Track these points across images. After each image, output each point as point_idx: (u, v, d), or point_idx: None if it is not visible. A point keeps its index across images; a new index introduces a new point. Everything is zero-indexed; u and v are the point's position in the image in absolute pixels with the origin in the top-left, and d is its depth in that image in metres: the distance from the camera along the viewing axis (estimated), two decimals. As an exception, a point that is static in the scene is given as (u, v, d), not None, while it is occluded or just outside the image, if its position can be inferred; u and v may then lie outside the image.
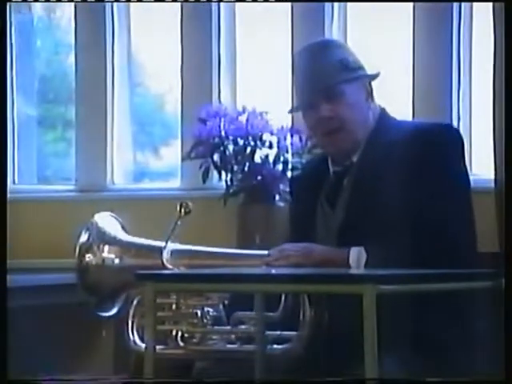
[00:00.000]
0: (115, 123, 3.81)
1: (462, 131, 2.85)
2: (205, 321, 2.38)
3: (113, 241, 2.50)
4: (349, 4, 3.50)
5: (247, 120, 3.35)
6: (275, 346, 2.32)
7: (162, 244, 2.41)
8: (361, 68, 2.51)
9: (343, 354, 2.26)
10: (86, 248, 2.48)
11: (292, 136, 3.35)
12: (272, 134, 3.35)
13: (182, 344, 2.37)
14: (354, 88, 2.48)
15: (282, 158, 3.34)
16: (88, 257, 2.48)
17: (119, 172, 3.82)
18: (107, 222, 2.54)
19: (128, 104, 3.84)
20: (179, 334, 2.38)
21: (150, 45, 3.86)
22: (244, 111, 3.39)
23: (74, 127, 3.89)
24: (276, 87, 3.59)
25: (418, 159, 2.38)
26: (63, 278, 2.98)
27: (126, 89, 3.84)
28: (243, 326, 2.35)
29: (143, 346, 2.28)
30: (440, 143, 2.42)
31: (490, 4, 3.04)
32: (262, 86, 3.62)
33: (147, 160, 3.92)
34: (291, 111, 2.66)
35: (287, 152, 3.35)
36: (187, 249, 2.48)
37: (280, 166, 3.34)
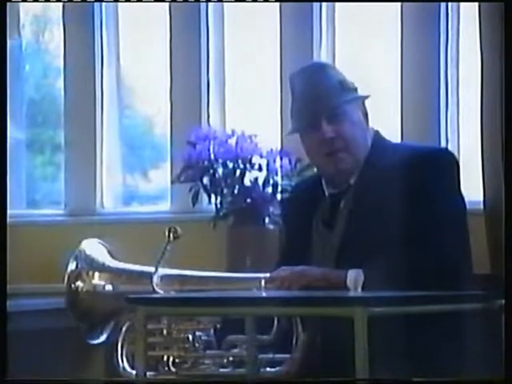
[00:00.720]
0: (104, 146, 3.81)
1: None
2: (196, 345, 2.37)
3: (102, 267, 2.50)
4: (338, 32, 3.51)
5: (236, 143, 3.35)
6: (268, 369, 2.31)
7: (152, 269, 2.40)
8: (356, 90, 2.52)
9: (336, 376, 2.25)
10: (75, 276, 2.48)
11: (281, 159, 3.36)
12: (261, 156, 3.35)
13: (173, 369, 2.36)
14: (353, 109, 2.50)
15: (271, 181, 3.34)
16: (77, 284, 2.47)
17: (109, 195, 3.81)
18: (95, 248, 2.54)
19: (117, 127, 3.84)
20: (170, 359, 2.37)
21: (139, 67, 3.87)
22: (233, 134, 3.39)
23: (62, 151, 3.89)
24: (265, 110, 3.60)
25: (415, 182, 2.39)
26: (53, 302, 2.97)
27: (115, 111, 3.84)
28: (236, 350, 2.35)
29: (133, 372, 2.27)
30: (436, 167, 2.43)
31: (477, 22, 3.06)
32: (251, 108, 3.63)
33: (137, 183, 3.92)
34: (289, 133, 2.64)
35: (277, 175, 3.36)
36: (177, 273, 2.47)
37: (270, 189, 3.34)
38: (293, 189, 2.83)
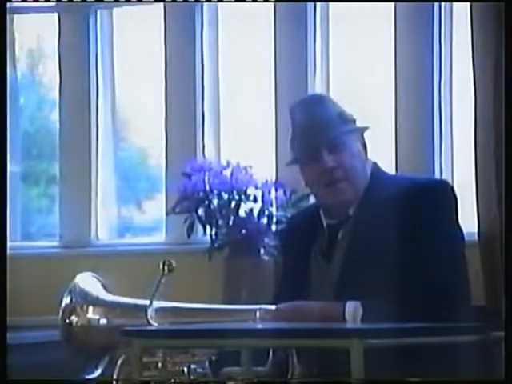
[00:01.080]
0: (99, 178, 3.82)
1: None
2: (192, 378, 2.36)
3: (96, 301, 2.49)
4: (332, 62, 3.54)
5: (231, 174, 3.36)
6: None
7: (147, 302, 2.39)
8: (355, 121, 2.54)
9: None
10: (70, 310, 2.47)
11: (276, 190, 3.37)
12: (256, 187, 3.36)
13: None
14: (352, 140, 2.51)
15: (266, 212, 3.35)
16: (72, 319, 2.46)
17: (103, 227, 3.81)
18: (89, 282, 2.53)
19: (112, 159, 3.85)
20: None
21: (134, 99, 3.88)
22: (228, 165, 3.40)
23: (57, 183, 3.89)
24: (260, 141, 3.61)
25: (414, 214, 2.40)
26: (49, 335, 2.95)
27: (110, 144, 3.85)
28: (231, 382, 2.34)
29: None
30: (435, 199, 2.44)
31: (470, 53, 3.08)
32: (245, 140, 3.64)
33: (131, 215, 3.92)
34: (289, 164, 2.64)
35: (272, 206, 3.36)
36: (172, 306, 2.46)
37: (265, 220, 3.34)
38: (290, 220, 2.83)
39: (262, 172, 3.42)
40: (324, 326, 2.29)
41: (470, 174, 3.12)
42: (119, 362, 2.40)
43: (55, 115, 3.91)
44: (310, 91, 3.49)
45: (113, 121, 3.86)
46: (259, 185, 3.37)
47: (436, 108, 3.36)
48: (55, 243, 3.83)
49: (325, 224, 2.54)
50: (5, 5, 2.86)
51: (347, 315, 2.34)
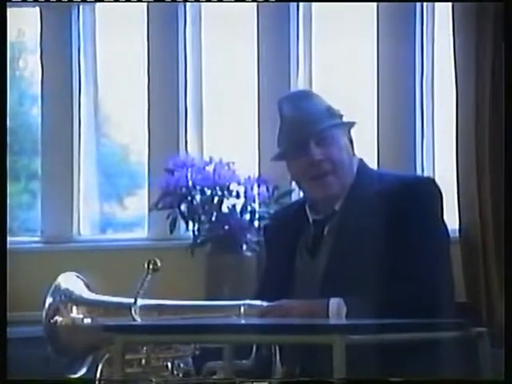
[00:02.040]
0: (81, 174, 3.80)
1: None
2: (175, 373, 2.36)
3: (80, 300, 2.48)
4: (315, 61, 3.55)
5: (214, 170, 3.37)
6: None
7: (130, 300, 2.39)
8: (342, 117, 2.55)
9: None
10: (54, 310, 2.45)
11: (259, 186, 3.37)
12: (239, 183, 3.37)
13: (152, 399, 2.35)
14: (340, 134, 2.52)
15: (249, 208, 3.35)
16: (55, 319, 2.45)
17: (85, 223, 3.80)
18: (72, 282, 2.52)
19: (94, 154, 3.84)
20: None
21: (116, 95, 3.87)
22: (211, 161, 3.40)
23: (38, 179, 3.88)
24: (243, 137, 3.61)
25: (400, 211, 2.41)
26: (28, 331, 2.94)
27: (92, 140, 3.84)
28: (215, 376, 2.34)
29: None
30: (421, 196, 2.45)
31: (451, 50, 3.10)
32: (228, 136, 3.64)
33: (114, 211, 3.91)
34: (275, 159, 2.63)
35: (254, 202, 3.37)
36: (156, 303, 2.46)
37: (247, 216, 3.35)
38: (276, 215, 2.83)
39: (245, 168, 3.43)
40: (306, 321, 2.29)
41: (451, 171, 3.13)
42: (103, 361, 2.40)
43: (36, 110, 3.90)
44: (292, 88, 3.50)
45: (95, 116, 3.85)
46: (242, 181, 3.37)
47: (418, 105, 3.38)
48: (37, 238, 3.82)
49: (311, 219, 2.54)
50: (5, 5, 2.85)
51: (331, 313, 2.35)
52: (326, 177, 2.48)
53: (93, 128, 3.84)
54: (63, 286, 2.50)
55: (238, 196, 3.36)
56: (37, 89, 3.89)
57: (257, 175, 3.42)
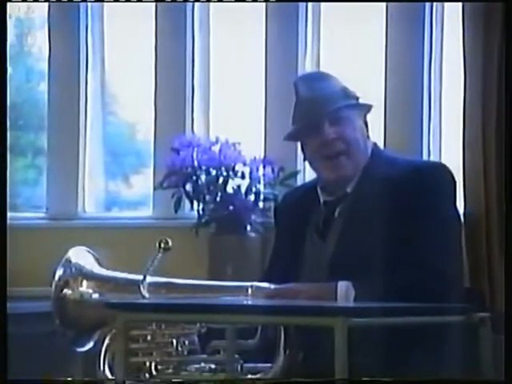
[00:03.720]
0: (87, 151, 3.81)
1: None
2: (180, 350, 2.37)
3: (89, 276, 2.49)
4: (323, 41, 3.53)
5: (220, 150, 3.36)
6: (250, 376, 2.31)
7: (139, 277, 2.40)
8: (358, 99, 2.55)
9: None
10: (63, 283, 2.47)
11: (264, 167, 3.37)
12: (244, 164, 3.37)
13: (155, 374, 2.36)
14: (355, 115, 2.52)
15: (253, 189, 3.35)
16: (65, 292, 2.46)
17: (91, 200, 3.81)
18: (82, 256, 2.53)
19: (101, 132, 3.84)
20: (153, 364, 2.37)
21: (124, 73, 3.87)
22: (217, 142, 3.40)
23: (44, 155, 3.88)
24: (249, 118, 3.61)
25: (412, 196, 2.41)
26: (33, 306, 2.95)
27: (98, 117, 3.84)
28: (219, 355, 2.35)
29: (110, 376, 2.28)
30: (434, 182, 2.45)
31: (461, 35, 3.09)
32: (235, 116, 3.64)
33: (119, 189, 3.91)
34: (288, 137, 2.63)
35: (259, 183, 3.37)
36: (165, 281, 2.47)
37: (252, 197, 3.35)
38: (287, 196, 2.83)
39: (251, 149, 3.43)
40: (310, 303, 2.30)
41: (457, 156, 3.13)
42: (108, 337, 2.41)
43: (43, 86, 3.89)
44: (300, 69, 3.49)
45: (102, 95, 3.85)
46: (247, 162, 3.37)
47: (426, 90, 3.37)
48: (42, 215, 3.83)
49: (322, 201, 2.54)
50: (5, 5, 2.84)
51: (339, 296, 2.35)
52: (339, 157, 2.48)
53: (99, 106, 3.83)
54: (73, 259, 2.51)
55: (243, 177, 3.36)
56: (44, 65, 3.88)
57: (262, 156, 3.42)
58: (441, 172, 2.51)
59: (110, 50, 3.84)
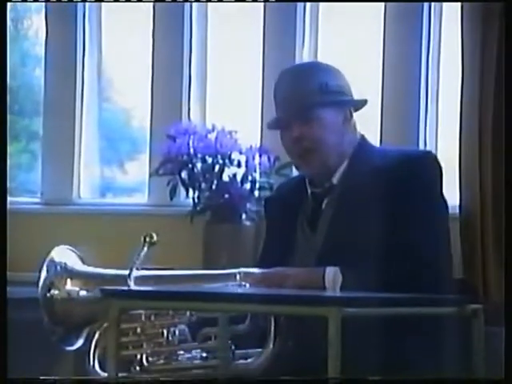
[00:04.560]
0: (83, 137, 3.80)
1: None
2: (170, 339, 2.37)
3: (75, 274, 2.49)
4: (321, 30, 3.53)
5: (216, 138, 3.36)
6: (241, 361, 2.32)
7: (126, 272, 2.40)
8: (341, 93, 2.53)
9: (308, 371, 2.27)
10: (48, 284, 2.46)
11: (260, 156, 3.37)
12: (241, 153, 3.36)
13: (146, 365, 2.36)
14: (329, 111, 2.51)
15: (249, 178, 3.35)
16: (51, 292, 2.46)
17: (86, 186, 3.80)
18: (65, 255, 2.53)
19: (96, 118, 3.83)
20: (144, 356, 2.37)
21: (121, 60, 3.86)
22: (213, 129, 3.40)
23: (38, 139, 3.87)
24: (246, 106, 3.60)
25: (398, 185, 2.41)
26: (26, 291, 2.95)
27: (94, 103, 3.83)
28: (210, 342, 2.36)
29: (105, 374, 2.28)
30: (420, 170, 2.46)
31: (459, 26, 3.08)
32: (231, 104, 3.63)
33: (114, 175, 3.91)
34: (268, 127, 2.69)
35: (255, 171, 3.37)
36: (152, 274, 2.47)
37: (247, 185, 3.35)
38: (278, 188, 2.85)
39: (247, 137, 3.42)
40: (302, 293, 2.31)
41: (453, 148, 3.13)
42: (97, 334, 2.41)
43: (39, 71, 3.88)
44: (298, 58, 3.48)
45: (98, 80, 3.83)
46: (243, 150, 3.36)
47: (423, 80, 3.36)
48: (36, 200, 3.82)
49: (309, 192, 2.55)
50: (5, 5, 2.83)
51: (327, 281, 2.36)
52: (308, 155, 2.50)
53: (96, 91, 3.82)
54: (57, 259, 2.50)
55: (239, 165, 3.35)
56: (40, 49, 3.87)
57: (259, 145, 3.41)
58: (427, 160, 2.51)
59: (106, 35, 3.83)
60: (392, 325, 2.25)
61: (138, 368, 2.36)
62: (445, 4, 3.34)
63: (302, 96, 2.49)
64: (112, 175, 3.89)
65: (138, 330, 2.39)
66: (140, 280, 2.41)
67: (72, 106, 3.77)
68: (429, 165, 2.49)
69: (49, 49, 3.81)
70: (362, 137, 2.57)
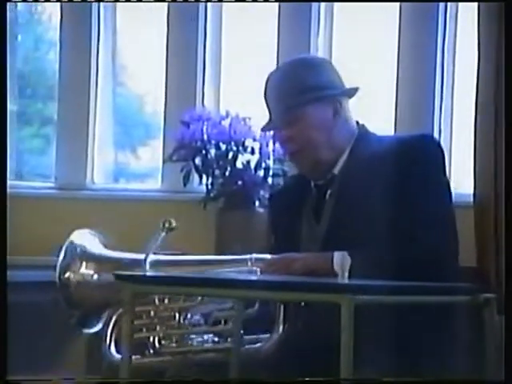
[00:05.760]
0: (97, 122, 3.80)
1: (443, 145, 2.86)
2: (182, 322, 2.39)
3: (93, 257, 2.50)
4: (336, 23, 3.51)
5: (230, 125, 3.36)
6: (250, 345, 2.33)
7: (142, 257, 2.41)
8: (325, 87, 2.51)
9: (317, 356, 2.27)
10: (67, 267, 2.47)
11: (274, 143, 3.36)
12: (254, 139, 3.36)
13: (158, 348, 2.37)
14: (314, 108, 2.50)
15: (263, 165, 3.35)
16: (69, 275, 2.47)
17: (99, 171, 3.81)
18: (85, 238, 2.53)
19: (111, 103, 3.84)
20: (156, 338, 2.38)
21: (135, 45, 3.86)
22: (227, 116, 3.39)
23: (51, 124, 3.88)
24: (260, 93, 3.59)
25: (399, 171, 2.40)
26: (40, 275, 2.97)
27: (109, 88, 3.83)
28: (221, 326, 2.37)
29: (119, 357, 2.30)
30: (420, 154, 2.44)
31: (476, 17, 3.07)
32: (245, 91, 3.62)
33: (128, 160, 3.91)
34: (262, 130, 2.74)
35: (269, 158, 3.36)
36: (168, 259, 2.48)
37: (261, 172, 3.34)
38: (284, 179, 2.86)
39: (261, 124, 3.39)
40: (315, 280, 2.31)
41: (469, 137, 3.12)
42: (114, 317, 2.42)
43: (53, 55, 3.88)
44: (312, 46, 3.47)
45: (113, 65, 3.83)
46: (257, 137, 3.36)
47: (438, 68, 3.35)
48: (50, 184, 3.83)
49: (312, 184, 2.56)
50: (5, 5, 2.83)
51: (335, 265, 2.36)
52: (297, 155, 2.52)
53: (110, 76, 3.83)
54: (77, 241, 2.51)
55: (252, 152, 3.35)
56: (54, 34, 3.87)
57: (272, 132, 3.41)
58: (425, 142, 2.49)
59: (121, 20, 3.83)
60: (401, 314, 2.25)
61: (151, 350, 2.37)
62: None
63: (286, 97, 2.49)
64: (126, 161, 3.90)
65: (152, 313, 2.41)
66: (156, 264, 2.42)
67: (86, 91, 3.77)
68: (428, 147, 2.47)
69: (63, 33, 3.81)
70: (362, 126, 2.56)
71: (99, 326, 2.51)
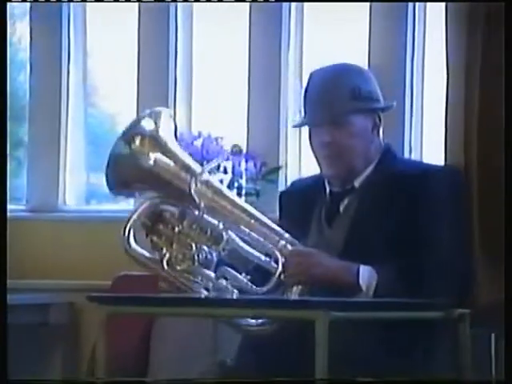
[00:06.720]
0: (68, 143, 3.79)
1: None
2: (195, 257, 2.38)
3: (162, 145, 2.43)
4: (306, 35, 3.53)
5: (202, 145, 3.36)
6: (251, 320, 2.33)
7: (199, 169, 2.41)
8: (373, 99, 2.53)
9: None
10: (142, 138, 2.41)
11: (247, 162, 3.37)
12: (227, 159, 3.36)
13: (166, 266, 2.37)
14: (359, 118, 2.52)
15: (236, 184, 3.35)
16: (135, 146, 2.41)
17: (71, 193, 3.79)
18: (165, 120, 2.47)
19: (82, 124, 3.83)
20: (167, 256, 2.37)
21: (106, 66, 3.85)
22: (199, 136, 3.40)
23: (22, 146, 3.86)
24: (232, 112, 3.60)
25: (422, 194, 2.43)
26: (11, 298, 2.93)
27: (80, 109, 3.82)
28: (224, 282, 2.36)
29: (138, 249, 2.40)
30: (445, 184, 2.48)
31: (443, 27, 3.08)
32: (217, 110, 3.63)
33: (100, 181, 3.89)
34: (297, 126, 2.72)
35: (241, 177, 3.37)
36: (217, 187, 2.46)
37: (234, 192, 3.34)
38: (292, 182, 2.85)
39: (233, 144, 3.42)
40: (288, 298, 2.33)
41: (440, 153, 3.13)
42: (140, 210, 2.43)
43: (23, 77, 3.87)
44: (283, 61, 3.48)
45: (84, 86, 3.83)
46: (230, 156, 3.36)
47: (408, 84, 3.36)
48: (22, 207, 3.81)
49: (328, 190, 2.56)
50: (5, 5, 2.82)
51: (361, 280, 2.36)
52: (333, 159, 2.51)
53: (81, 97, 3.82)
54: (163, 118, 2.46)
55: (225, 171, 3.35)
56: (24, 55, 3.86)
57: (245, 151, 3.41)
58: (453, 172, 2.58)
59: (92, 40, 3.83)
60: (380, 328, 2.25)
61: (165, 264, 2.36)
62: (428, 4, 3.35)
63: (334, 101, 2.48)
64: (97, 182, 3.88)
65: (176, 228, 2.38)
66: (205, 186, 2.40)
67: (57, 112, 3.76)
68: (453, 179, 2.53)
69: (33, 54, 3.81)
70: (387, 144, 2.59)
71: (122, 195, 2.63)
